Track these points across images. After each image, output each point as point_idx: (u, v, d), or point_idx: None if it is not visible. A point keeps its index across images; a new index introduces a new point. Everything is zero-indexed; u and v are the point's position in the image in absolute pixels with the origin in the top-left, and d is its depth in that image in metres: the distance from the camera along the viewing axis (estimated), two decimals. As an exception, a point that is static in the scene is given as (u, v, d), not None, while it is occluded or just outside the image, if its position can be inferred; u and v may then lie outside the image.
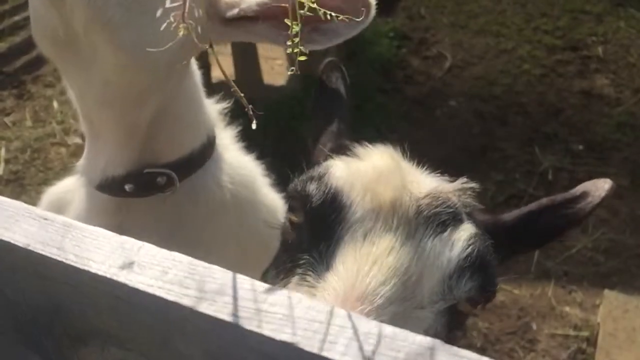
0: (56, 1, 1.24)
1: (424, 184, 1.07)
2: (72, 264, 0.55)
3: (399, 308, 0.92)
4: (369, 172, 1.04)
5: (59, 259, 0.53)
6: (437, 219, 0.99)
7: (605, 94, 4.39)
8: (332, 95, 1.37)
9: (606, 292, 3.00)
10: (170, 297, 0.55)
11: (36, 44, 1.44)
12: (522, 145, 4.03)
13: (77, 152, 3.93)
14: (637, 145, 4.02)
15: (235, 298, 0.55)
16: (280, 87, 4.45)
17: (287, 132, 3.32)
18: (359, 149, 1.12)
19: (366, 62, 4.53)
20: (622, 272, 3.28)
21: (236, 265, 0.89)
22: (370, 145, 1.13)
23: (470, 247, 0.99)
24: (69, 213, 1.66)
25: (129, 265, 0.56)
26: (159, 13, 0.69)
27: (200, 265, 0.59)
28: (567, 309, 3.14)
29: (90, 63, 1.32)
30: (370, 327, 0.53)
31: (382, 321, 0.57)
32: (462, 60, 4.76)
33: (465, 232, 1.00)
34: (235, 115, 1.80)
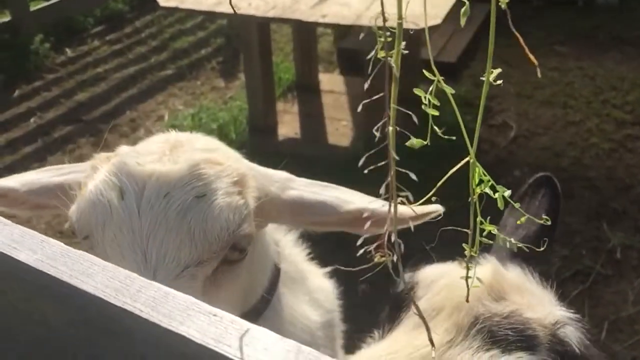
0: None
1: (514, 306, 0.99)
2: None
3: None
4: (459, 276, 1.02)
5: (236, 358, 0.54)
6: (490, 337, 0.93)
7: (678, 172, 4.27)
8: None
9: (680, 382, 2.85)
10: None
11: None
12: (589, 220, 3.92)
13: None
14: None
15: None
16: (344, 148, 4.52)
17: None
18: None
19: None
20: (697, 362, 3.11)
21: None
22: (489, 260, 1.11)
23: None
24: None
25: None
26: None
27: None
28: (637, 397, 2.98)
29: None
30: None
31: None
32: (528, 131, 4.72)
33: (511, 358, 0.91)
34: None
